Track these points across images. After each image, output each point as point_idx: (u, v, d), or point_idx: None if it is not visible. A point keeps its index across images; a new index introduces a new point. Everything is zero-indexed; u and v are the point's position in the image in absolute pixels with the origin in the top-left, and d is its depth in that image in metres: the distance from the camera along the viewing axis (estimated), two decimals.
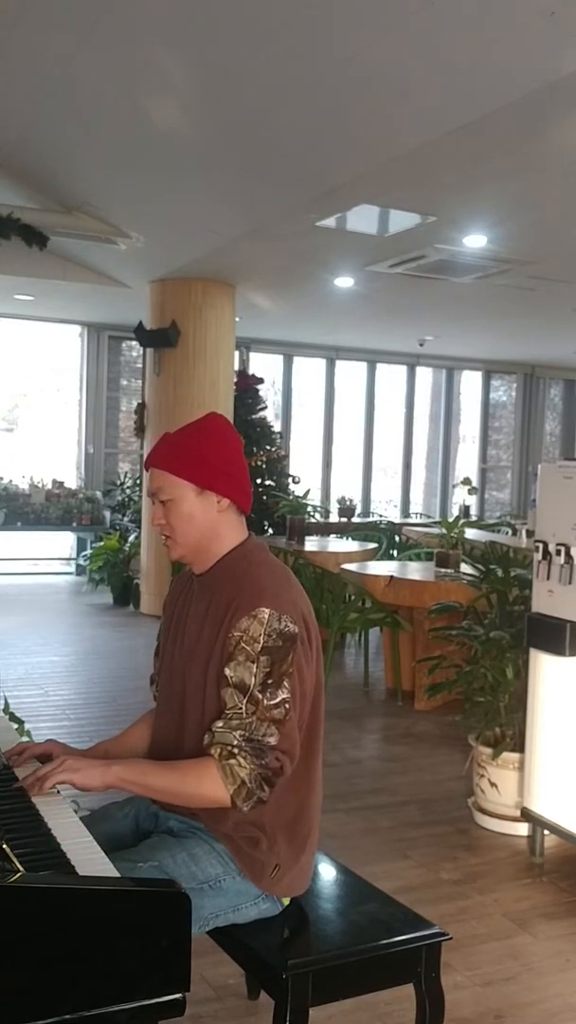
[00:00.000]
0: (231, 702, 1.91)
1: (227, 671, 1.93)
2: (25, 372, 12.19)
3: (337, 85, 4.18)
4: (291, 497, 9.47)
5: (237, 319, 8.77)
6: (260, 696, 1.90)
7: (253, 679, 1.91)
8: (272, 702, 1.91)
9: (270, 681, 1.91)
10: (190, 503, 2.04)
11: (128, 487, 10.75)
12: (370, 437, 13.10)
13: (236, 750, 1.87)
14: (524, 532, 7.96)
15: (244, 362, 11.74)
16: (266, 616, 1.93)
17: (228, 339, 8.62)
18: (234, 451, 2.10)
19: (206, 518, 2.05)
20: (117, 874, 1.66)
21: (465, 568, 5.68)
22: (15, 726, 3.00)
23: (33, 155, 6.04)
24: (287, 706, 1.92)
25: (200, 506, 2.04)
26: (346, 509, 10.69)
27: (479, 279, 7.57)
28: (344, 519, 10.52)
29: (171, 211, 6.50)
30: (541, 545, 3.51)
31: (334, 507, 11.32)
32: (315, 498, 11.56)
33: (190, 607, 2.12)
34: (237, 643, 1.93)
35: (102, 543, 9.58)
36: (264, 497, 9.36)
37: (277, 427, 11.25)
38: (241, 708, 1.90)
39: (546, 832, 3.62)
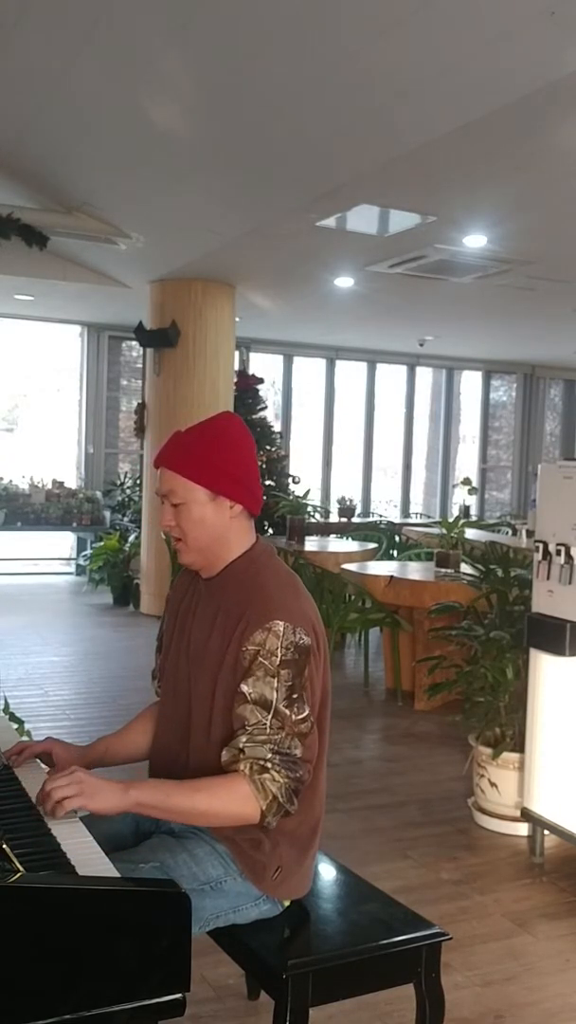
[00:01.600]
0: (253, 718, 1.87)
1: (245, 688, 1.89)
2: (25, 372, 12.19)
3: (337, 85, 4.18)
4: (291, 497, 9.48)
5: (237, 319, 8.77)
6: (287, 711, 1.88)
7: (275, 694, 1.88)
8: (299, 716, 1.89)
9: (295, 696, 1.89)
10: (202, 508, 2.00)
11: (128, 487, 10.75)
12: (370, 437, 13.10)
13: (269, 764, 1.85)
14: (524, 532, 7.96)
15: (244, 362, 11.74)
16: (281, 629, 1.90)
17: (228, 339, 8.61)
18: (247, 454, 2.06)
19: (218, 523, 2.01)
20: (117, 874, 1.66)
21: (465, 568, 5.68)
22: (15, 726, 3.01)
23: (33, 155, 6.04)
24: (311, 720, 1.92)
25: (212, 511, 2.00)
26: (346, 509, 10.69)
27: (479, 279, 7.56)
28: (344, 519, 10.52)
29: (171, 211, 6.50)
30: (541, 545, 3.51)
31: (334, 507, 11.33)
32: (315, 498, 11.56)
33: (196, 608, 2.10)
34: (253, 657, 1.89)
35: (102, 543, 9.58)
36: (264, 497, 9.34)
37: (277, 427, 11.25)
38: (266, 723, 1.87)
39: (546, 832, 3.62)
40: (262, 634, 1.90)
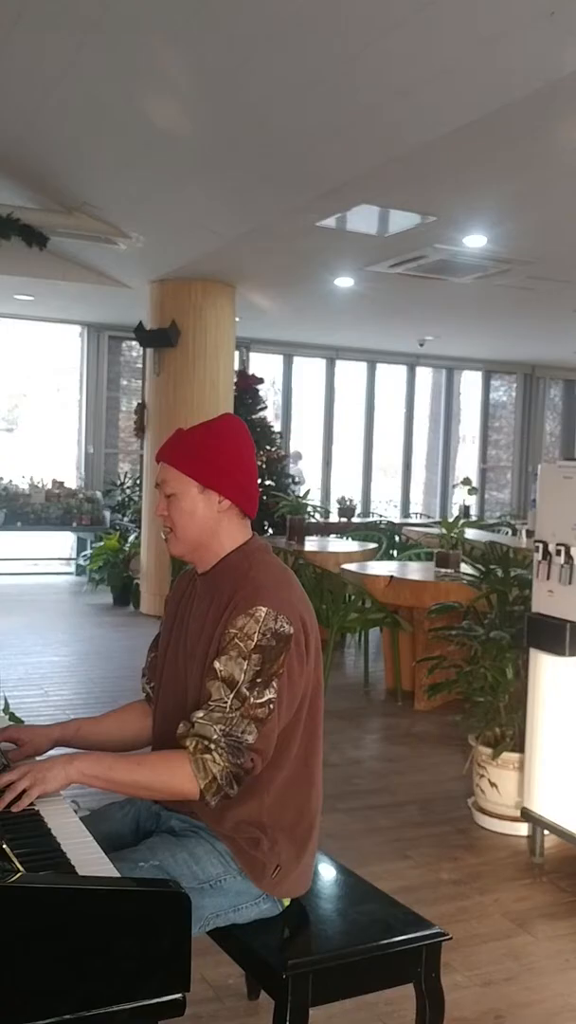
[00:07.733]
0: (216, 695, 1.92)
1: (217, 664, 1.93)
2: (25, 372, 12.18)
3: (337, 85, 4.18)
4: (291, 497, 9.48)
5: (237, 319, 8.77)
6: (247, 693, 1.91)
7: (243, 675, 1.91)
8: (258, 700, 1.91)
9: (259, 680, 1.92)
10: (192, 499, 2.06)
11: (128, 487, 10.75)
12: (370, 437, 13.09)
13: (213, 745, 1.87)
14: (524, 532, 7.96)
15: (244, 362, 11.74)
16: (262, 614, 1.93)
17: (228, 339, 8.61)
18: (242, 454, 2.12)
19: (206, 516, 2.06)
20: (117, 874, 1.66)
21: (465, 568, 5.68)
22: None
23: (33, 155, 6.03)
24: (272, 706, 1.93)
25: (202, 504, 2.06)
26: (346, 509, 10.69)
27: (479, 279, 7.56)
28: (344, 519, 10.51)
29: (171, 211, 6.50)
30: (541, 545, 3.51)
31: (334, 507, 11.32)
32: (315, 498, 11.56)
33: (192, 606, 2.13)
34: (231, 639, 1.94)
35: (102, 543, 9.58)
36: (264, 497, 9.36)
37: (277, 427, 11.25)
38: (226, 702, 1.90)
39: (546, 832, 3.62)
40: (244, 619, 1.94)
